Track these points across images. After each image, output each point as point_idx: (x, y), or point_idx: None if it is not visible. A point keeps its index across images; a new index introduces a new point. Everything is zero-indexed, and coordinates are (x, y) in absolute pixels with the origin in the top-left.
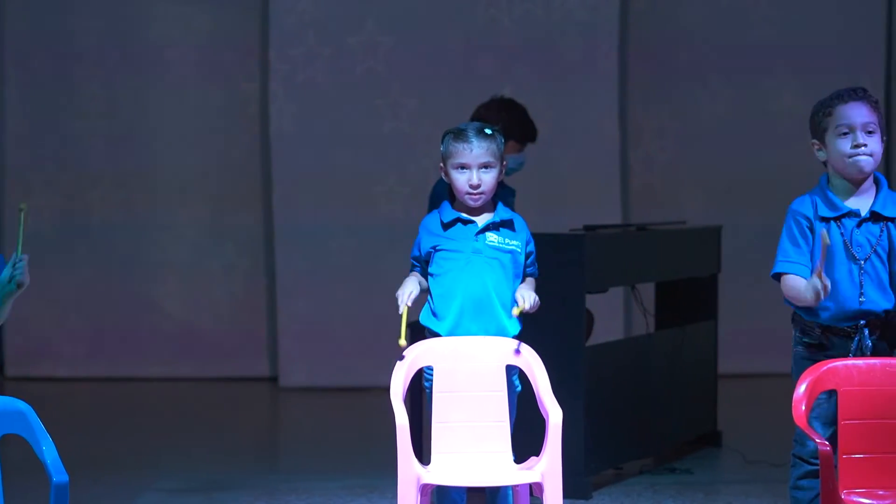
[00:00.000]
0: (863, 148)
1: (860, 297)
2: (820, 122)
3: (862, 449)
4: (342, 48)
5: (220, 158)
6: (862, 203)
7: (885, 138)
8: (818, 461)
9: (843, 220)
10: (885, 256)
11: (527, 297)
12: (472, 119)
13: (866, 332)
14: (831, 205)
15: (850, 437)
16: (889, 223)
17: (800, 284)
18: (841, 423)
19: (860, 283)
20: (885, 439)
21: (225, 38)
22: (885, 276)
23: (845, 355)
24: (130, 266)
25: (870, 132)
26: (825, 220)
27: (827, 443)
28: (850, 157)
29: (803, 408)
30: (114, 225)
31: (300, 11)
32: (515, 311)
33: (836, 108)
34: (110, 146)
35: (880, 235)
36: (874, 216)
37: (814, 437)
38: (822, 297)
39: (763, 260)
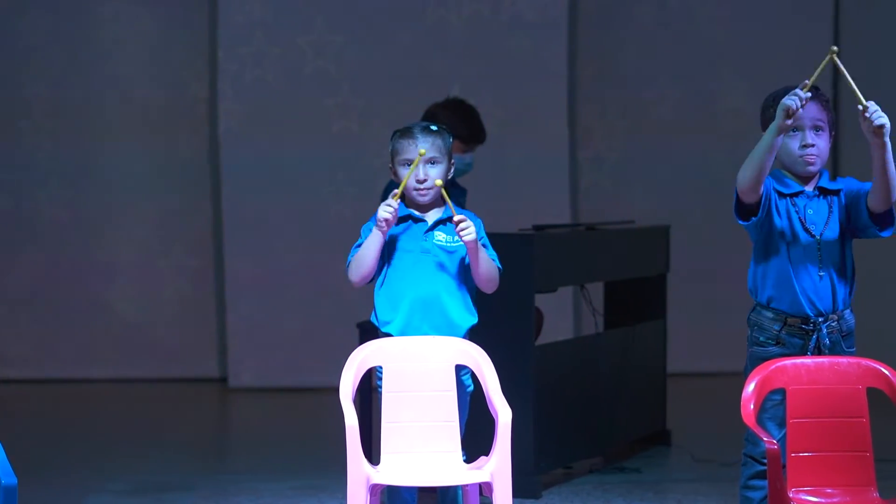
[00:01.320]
0: (811, 148)
1: (819, 271)
2: (770, 117)
3: (810, 447)
4: (291, 48)
5: (169, 158)
6: (809, 187)
7: (833, 133)
8: None
9: (795, 198)
10: (838, 230)
11: (471, 226)
12: (424, 116)
13: (824, 328)
14: (784, 185)
15: (798, 436)
16: (834, 196)
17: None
18: (790, 421)
19: (819, 257)
20: (833, 438)
21: (173, 38)
22: (839, 249)
23: (803, 355)
24: (79, 267)
25: (818, 130)
26: (781, 194)
27: (775, 441)
28: (798, 156)
29: (752, 406)
30: (62, 226)
31: (249, 11)
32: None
33: None
34: (58, 146)
35: (830, 208)
36: (822, 191)
37: (762, 435)
38: (799, 98)
39: (712, 259)
